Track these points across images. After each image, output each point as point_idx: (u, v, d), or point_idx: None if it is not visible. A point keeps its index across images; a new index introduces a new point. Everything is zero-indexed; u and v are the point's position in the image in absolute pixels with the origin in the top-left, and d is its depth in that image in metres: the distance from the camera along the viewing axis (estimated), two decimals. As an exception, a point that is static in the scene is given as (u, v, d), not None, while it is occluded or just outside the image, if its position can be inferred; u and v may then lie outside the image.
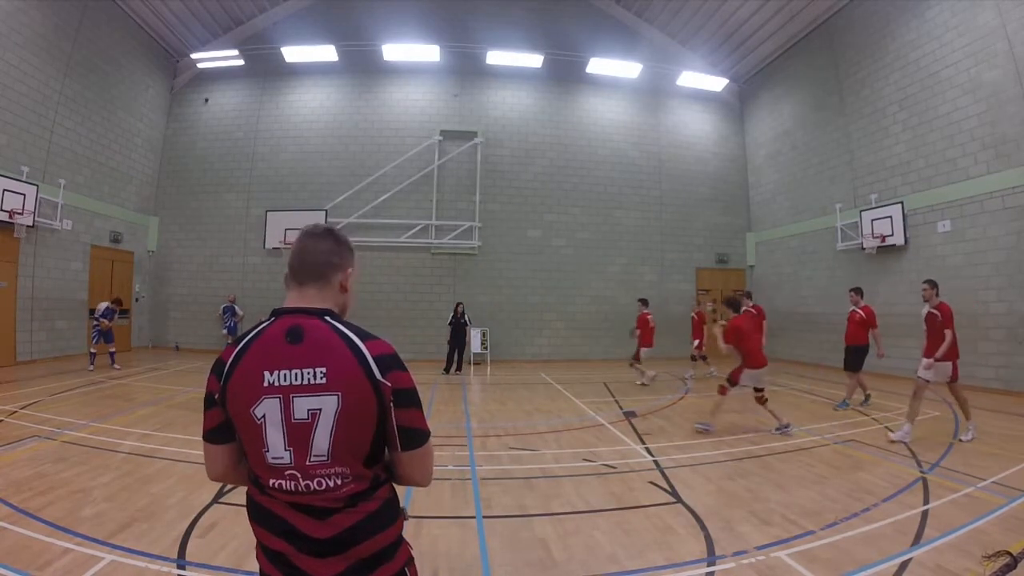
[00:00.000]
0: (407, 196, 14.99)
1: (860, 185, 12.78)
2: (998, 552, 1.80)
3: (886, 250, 11.84)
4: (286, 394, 1.22)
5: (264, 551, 1.27)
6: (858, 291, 8.50)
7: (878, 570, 3.02)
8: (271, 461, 1.23)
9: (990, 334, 9.60)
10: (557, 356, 15.03)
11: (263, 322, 1.32)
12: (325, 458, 1.22)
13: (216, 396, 1.27)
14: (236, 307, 14.57)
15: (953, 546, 3.29)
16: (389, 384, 1.25)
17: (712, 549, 3.35)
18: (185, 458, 5.03)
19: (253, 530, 1.29)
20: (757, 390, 6.56)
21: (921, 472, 4.87)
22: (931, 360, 6.00)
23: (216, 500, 3.96)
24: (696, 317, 11.93)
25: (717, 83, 16.36)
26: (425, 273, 14.97)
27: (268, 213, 14.79)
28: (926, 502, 4.08)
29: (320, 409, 1.22)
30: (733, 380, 6.57)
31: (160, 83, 15.32)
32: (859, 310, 8.27)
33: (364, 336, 1.29)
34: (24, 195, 10.67)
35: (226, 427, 1.29)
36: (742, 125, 17.27)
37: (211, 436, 1.32)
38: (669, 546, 3.40)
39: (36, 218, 11.03)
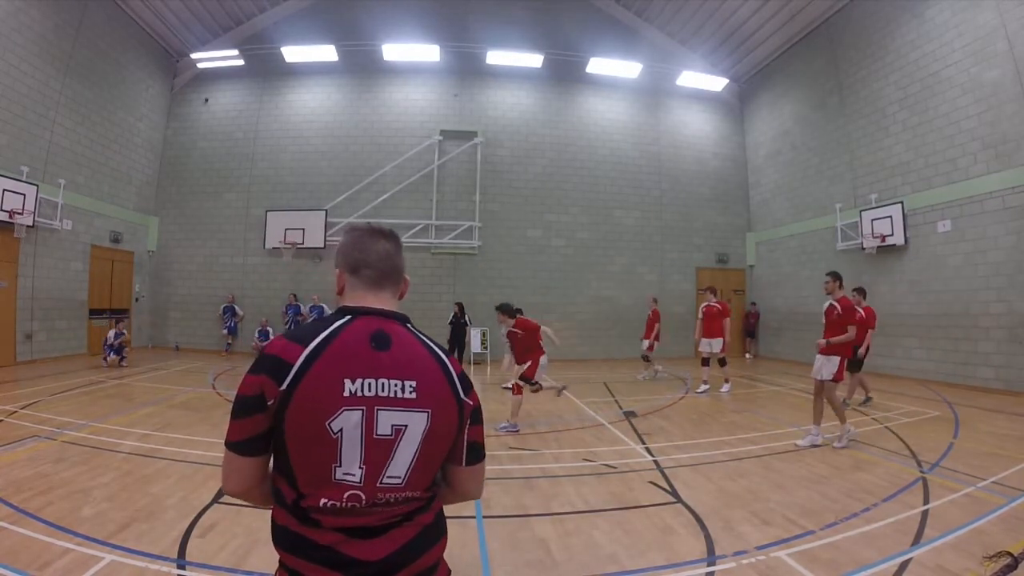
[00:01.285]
0: (407, 196, 14.99)
1: (860, 185, 12.77)
2: (999, 552, 1.80)
3: (886, 250, 11.84)
4: (370, 406, 1.09)
5: None
6: (860, 291, 8.32)
7: (878, 570, 3.02)
8: (339, 478, 1.08)
9: (990, 334, 9.61)
10: (557, 356, 14.84)
11: (336, 321, 1.17)
12: (399, 482, 1.11)
13: (270, 401, 1.07)
14: (236, 307, 14.57)
15: (953, 546, 3.29)
16: (471, 403, 1.23)
17: (712, 549, 3.35)
18: (185, 458, 5.03)
19: (286, 560, 1.12)
20: (535, 384, 7.00)
21: (921, 472, 4.87)
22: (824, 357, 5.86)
23: (216, 500, 3.96)
24: (652, 314, 11.45)
25: (717, 83, 16.35)
26: (425, 273, 14.96)
27: (268, 213, 14.77)
28: (926, 502, 4.08)
29: (406, 426, 1.11)
30: (529, 376, 6.84)
31: (160, 83, 15.31)
32: (860, 310, 8.20)
33: (445, 351, 1.25)
34: (24, 195, 10.66)
35: (266, 437, 1.10)
36: (742, 125, 17.27)
37: (244, 447, 1.11)
38: (669, 546, 3.40)
39: (36, 218, 11.02)
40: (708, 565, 3.15)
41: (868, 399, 8.31)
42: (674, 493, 4.40)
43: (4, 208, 10.26)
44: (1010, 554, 1.76)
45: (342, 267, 1.27)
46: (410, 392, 1.12)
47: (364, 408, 1.09)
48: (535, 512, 3.98)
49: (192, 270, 15.24)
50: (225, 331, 14.48)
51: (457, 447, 1.23)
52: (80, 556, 3.01)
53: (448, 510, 1.31)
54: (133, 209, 14.51)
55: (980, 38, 9.80)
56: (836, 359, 5.85)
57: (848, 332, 5.86)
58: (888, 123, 11.90)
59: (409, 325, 1.24)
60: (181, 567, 2.98)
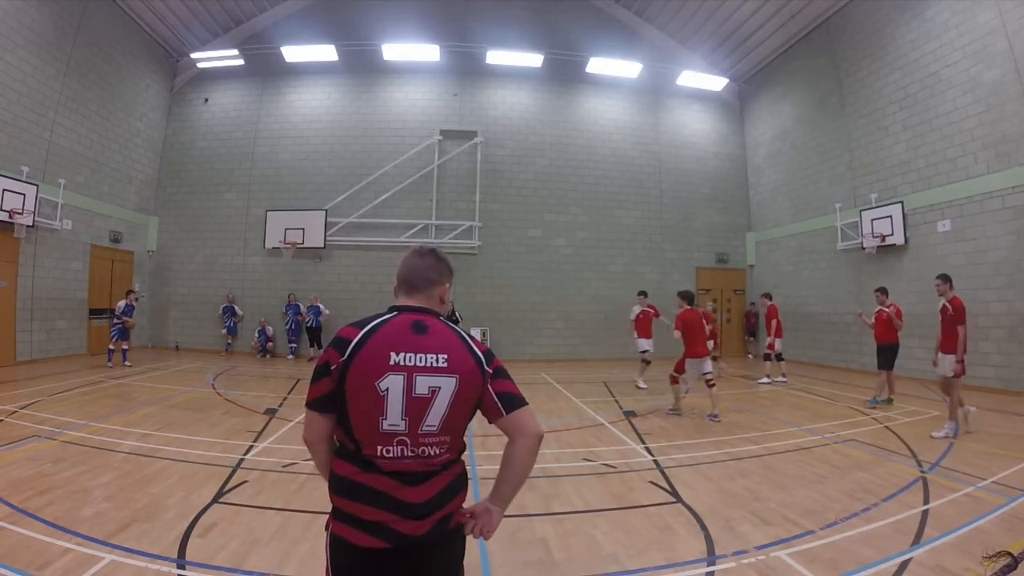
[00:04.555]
0: (407, 196, 14.98)
1: (860, 185, 12.77)
2: (998, 552, 1.80)
3: (886, 250, 11.84)
4: (410, 372, 1.44)
5: (355, 523, 1.42)
6: (883, 291, 8.60)
7: (878, 570, 3.02)
8: (386, 428, 1.43)
9: (990, 334, 9.60)
10: (557, 356, 15.01)
11: (385, 315, 1.55)
12: (435, 428, 1.46)
13: (333, 367, 1.45)
14: (236, 307, 14.56)
15: (953, 546, 3.29)
16: (491, 370, 1.55)
17: (712, 549, 3.35)
18: (185, 458, 5.03)
19: (343, 506, 1.45)
20: (706, 375, 7.48)
21: (921, 472, 4.87)
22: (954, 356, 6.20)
23: (216, 500, 3.96)
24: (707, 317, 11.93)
25: (717, 83, 16.33)
26: (425, 273, 14.93)
27: (268, 213, 14.77)
28: (926, 502, 4.08)
29: (439, 387, 1.45)
30: (679, 369, 7.73)
31: (160, 83, 15.31)
32: (886, 309, 8.33)
33: (471, 337, 1.60)
34: (24, 195, 10.66)
35: (331, 397, 1.47)
36: (742, 125, 17.26)
37: (317, 404, 1.50)
38: (669, 546, 3.40)
39: (36, 218, 11.02)
40: (708, 565, 3.15)
41: (888, 400, 8.29)
42: (674, 493, 4.40)
43: (4, 208, 10.26)
44: (1010, 554, 1.76)
45: (397, 278, 1.67)
46: (443, 363, 1.47)
47: (405, 374, 1.44)
48: (535, 512, 3.98)
49: (192, 270, 15.24)
50: (224, 331, 14.47)
51: (487, 403, 1.54)
52: (80, 556, 3.01)
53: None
54: (133, 209, 14.51)
55: (980, 38, 9.79)
56: (953, 356, 6.20)
57: (959, 332, 6.18)
58: (888, 123, 11.90)
59: (441, 318, 1.61)
60: (181, 567, 2.98)
